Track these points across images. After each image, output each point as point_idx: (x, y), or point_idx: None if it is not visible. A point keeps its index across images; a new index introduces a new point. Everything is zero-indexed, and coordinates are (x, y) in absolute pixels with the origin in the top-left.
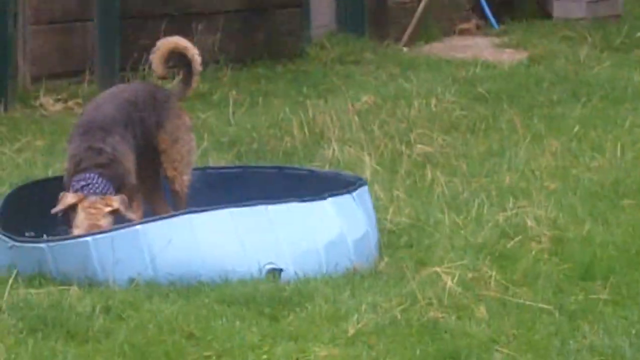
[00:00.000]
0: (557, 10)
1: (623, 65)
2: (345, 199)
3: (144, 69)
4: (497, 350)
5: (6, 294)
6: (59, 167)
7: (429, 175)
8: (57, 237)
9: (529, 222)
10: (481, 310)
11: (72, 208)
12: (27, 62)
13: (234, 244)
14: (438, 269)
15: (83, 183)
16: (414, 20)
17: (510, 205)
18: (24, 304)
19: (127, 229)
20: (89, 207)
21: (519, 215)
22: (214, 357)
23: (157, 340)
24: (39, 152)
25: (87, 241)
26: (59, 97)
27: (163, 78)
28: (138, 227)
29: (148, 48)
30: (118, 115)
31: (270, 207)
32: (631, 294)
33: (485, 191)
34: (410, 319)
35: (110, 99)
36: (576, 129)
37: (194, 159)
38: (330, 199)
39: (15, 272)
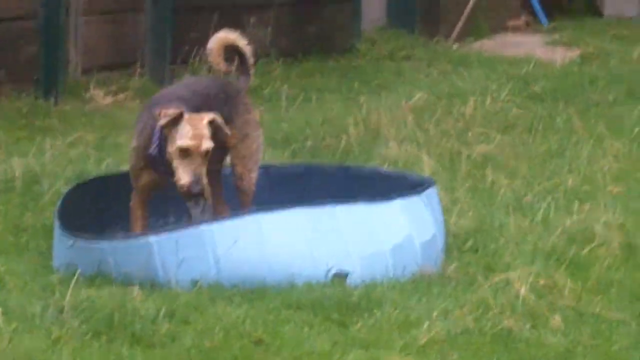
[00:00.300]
0: (609, 8)
1: None
2: (413, 201)
3: (194, 62)
4: None
5: (68, 294)
6: (111, 161)
7: (490, 177)
8: (119, 236)
9: (597, 228)
10: (556, 320)
11: (177, 120)
12: (79, 53)
13: (302, 246)
14: (509, 276)
15: None
16: (464, 17)
17: (576, 209)
18: (87, 306)
19: (191, 229)
20: (190, 118)
21: (586, 220)
22: None
23: (225, 345)
24: (91, 147)
25: (149, 241)
26: (110, 89)
27: (228, 72)
28: (203, 227)
29: (199, 41)
30: (190, 101)
31: (339, 208)
32: None
33: (549, 194)
34: (483, 328)
35: (183, 88)
36: (637, 130)
37: (261, 156)
38: (398, 200)
39: (77, 272)
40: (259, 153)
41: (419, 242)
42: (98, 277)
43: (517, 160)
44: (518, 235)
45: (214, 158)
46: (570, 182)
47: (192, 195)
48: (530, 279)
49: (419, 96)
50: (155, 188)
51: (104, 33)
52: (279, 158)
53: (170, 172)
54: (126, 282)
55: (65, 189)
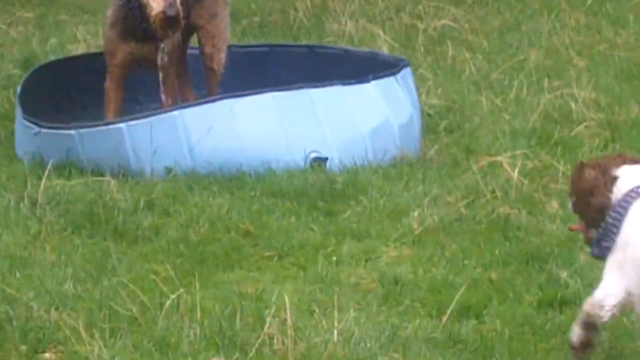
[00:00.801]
0: None
1: None
2: (389, 82)
3: None
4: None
5: (41, 186)
6: (55, 41)
7: (450, 52)
8: (89, 123)
9: (574, 106)
10: (553, 205)
11: None
12: None
13: (277, 131)
14: (496, 159)
15: None
16: None
17: (546, 86)
18: (63, 198)
19: (164, 114)
20: None
21: (561, 97)
22: (276, 258)
23: (212, 237)
24: (32, 25)
25: (120, 127)
26: None
27: None
28: (175, 112)
29: None
30: None
31: (314, 91)
32: None
33: (516, 71)
34: (477, 214)
35: None
36: (589, 1)
37: (229, 36)
38: (374, 82)
39: (50, 162)
40: (227, 32)
41: (396, 124)
42: (67, 166)
43: (475, 34)
44: (493, 114)
45: (181, 38)
46: (533, 57)
47: (168, 21)
48: (519, 162)
49: None
50: (131, 64)
51: None
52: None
53: (145, 19)
54: (97, 170)
55: (14, 72)
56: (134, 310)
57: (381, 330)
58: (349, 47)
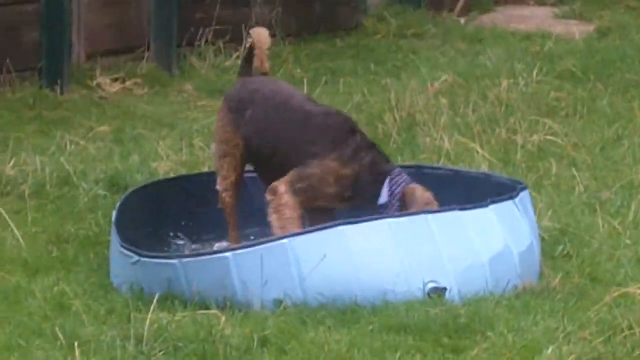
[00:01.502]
0: None
1: None
2: (507, 206)
3: (199, 45)
4: None
5: (147, 322)
6: (137, 159)
7: (554, 169)
8: (192, 253)
9: None
10: None
11: None
12: (82, 39)
13: (394, 260)
14: (629, 289)
15: None
16: None
17: None
18: (170, 335)
19: (272, 243)
20: None
21: None
22: None
23: None
24: (109, 140)
25: (227, 257)
26: (117, 76)
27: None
28: (285, 240)
29: (204, 22)
30: None
31: (431, 217)
32: None
33: (626, 189)
34: (617, 352)
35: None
36: None
37: None
38: (492, 207)
39: (156, 295)
40: None
41: (517, 251)
42: (169, 298)
43: (576, 150)
44: (612, 238)
45: None
46: None
47: None
48: None
49: (444, 77)
50: None
51: (107, 16)
52: None
53: None
54: (201, 302)
55: (100, 192)
56: None
57: None
58: (460, 168)
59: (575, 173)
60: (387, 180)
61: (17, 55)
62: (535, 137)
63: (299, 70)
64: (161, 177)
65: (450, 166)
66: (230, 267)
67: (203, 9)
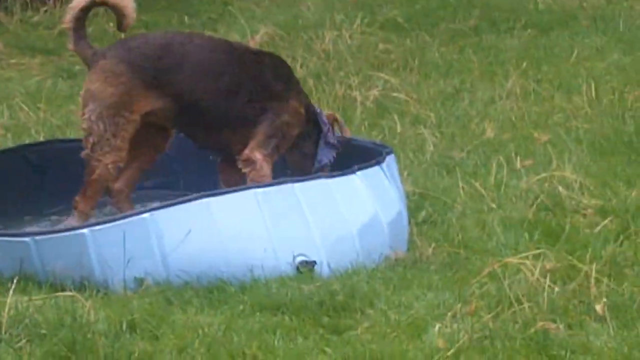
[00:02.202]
0: None
1: None
2: (374, 172)
3: None
4: None
5: (7, 307)
6: None
7: (398, 127)
8: (46, 230)
9: (562, 190)
10: (594, 316)
11: None
12: None
13: (261, 233)
14: (512, 259)
15: None
16: None
17: (518, 166)
18: (31, 320)
19: (132, 218)
20: None
21: (546, 181)
22: None
23: None
24: None
25: (83, 234)
26: None
27: None
28: (146, 215)
29: None
30: None
31: (298, 186)
32: None
33: (475, 147)
34: (509, 329)
35: None
36: (524, 65)
37: None
38: (359, 173)
39: (17, 278)
40: None
41: (386, 220)
42: (21, 280)
43: (415, 105)
44: (474, 202)
45: None
46: (488, 131)
47: None
48: (539, 264)
49: (264, 30)
50: None
51: None
52: None
53: None
54: (56, 284)
55: None
56: None
57: None
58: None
59: (423, 130)
60: (318, 110)
61: None
62: (373, 92)
63: (111, 24)
64: None
65: None
66: (88, 244)
67: None
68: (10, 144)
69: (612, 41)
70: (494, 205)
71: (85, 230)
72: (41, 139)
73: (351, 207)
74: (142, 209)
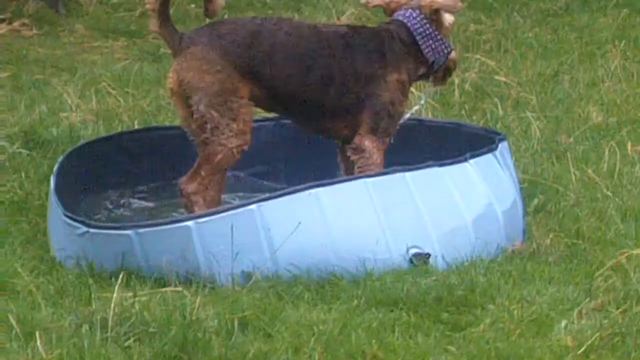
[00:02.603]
0: None
1: None
2: (488, 160)
3: None
4: None
5: (112, 304)
6: (44, 109)
7: (500, 111)
8: (148, 222)
9: None
10: None
11: None
12: None
13: (372, 224)
14: (632, 251)
15: None
16: None
17: (629, 151)
18: (138, 318)
19: (239, 210)
20: None
21: None
22: None
23: None
24: (8, 89)
25: (188, 226)
26: (2, 17)
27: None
28: (253, 206)
29: None
30: None
31: (409, 175)
32: None
33: (583, 132)
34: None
35: None
36: (622, 44)
37: None
38: (472, 161)
39: (122, 274)
40: None
41: (500, 210)
42: (123, 274)
43: (517, 88)
44: (588, 190)
45: None
46: (594, 115)
47: None
48: None
49: (350, 11)
50: None
51: None
52: None
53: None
54: (159, 278)
55: (21, 150)
56: None
57: None
58: (426, 117)
59: (527, 114)
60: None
61: None
62: (471, 75)
63: (192, 5)
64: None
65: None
66: (193, 237)
67: None
68: (102, 130)
69: None
70: (609, 193)
71: (189, 223)
72: (136, 126)
73: (465, 196)
74: (248, 200)
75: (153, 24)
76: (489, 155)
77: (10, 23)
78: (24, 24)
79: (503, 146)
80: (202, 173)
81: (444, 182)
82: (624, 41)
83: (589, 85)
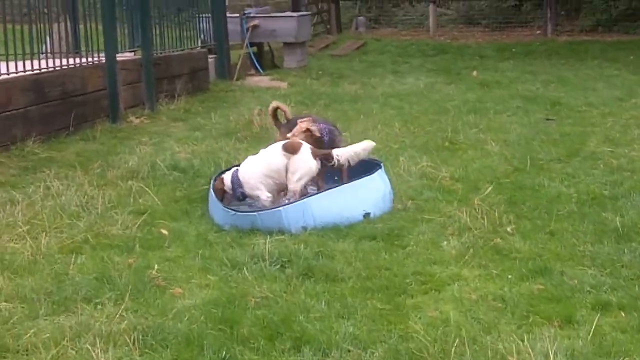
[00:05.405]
0: (286, 64)
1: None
2: (381, 173)
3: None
4: None
5: (267, 244)
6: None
7: None
8: (263, 209)
9: None
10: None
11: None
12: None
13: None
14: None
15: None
16: (237, 69)
17: None
18: (284, 251)
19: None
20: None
21: None
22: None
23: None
24: (154, 147)
25: (280, 211)
26: (137, 116)
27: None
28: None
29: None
30: None
31: (369, 177)
32: None
33: None
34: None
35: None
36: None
37: None
38: (378, 171)
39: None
40: None
41: (387, 191)
42: (254, 232)
43: None
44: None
45: None
46: None
47: None
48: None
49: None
50: None
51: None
52: None
53: None
54: (272, 235)
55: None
56: None
57: None
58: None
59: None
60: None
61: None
62: None
63: None
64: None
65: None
66: (282, 216)
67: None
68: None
69: None
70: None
71: (281, 209)
72: None
73: (380, 186)
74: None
75: None
76: (381, 171)
77: (139, 118)
78: (145, 119)
79: (382, 168)
80: None
81: (376, 181)
82: None
83: None
